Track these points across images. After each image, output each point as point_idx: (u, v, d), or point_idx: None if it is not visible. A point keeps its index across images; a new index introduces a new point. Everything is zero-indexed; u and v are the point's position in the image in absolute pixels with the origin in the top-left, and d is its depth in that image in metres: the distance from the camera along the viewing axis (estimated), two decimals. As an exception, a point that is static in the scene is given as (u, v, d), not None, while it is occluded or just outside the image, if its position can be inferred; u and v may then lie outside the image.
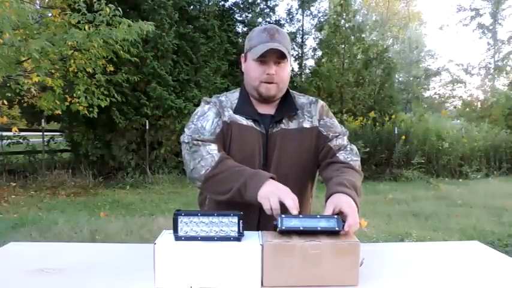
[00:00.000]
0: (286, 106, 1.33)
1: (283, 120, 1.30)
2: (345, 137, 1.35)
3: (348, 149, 1.32)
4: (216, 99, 1.35)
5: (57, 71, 6.21)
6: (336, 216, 0.98)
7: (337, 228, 0.97)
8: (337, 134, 1.33)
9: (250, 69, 1.29)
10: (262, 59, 1.25)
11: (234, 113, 1.30)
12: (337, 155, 1.29)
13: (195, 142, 1.25)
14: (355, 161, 1.29)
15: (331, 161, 1.29)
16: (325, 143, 1.31)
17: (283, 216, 0.98)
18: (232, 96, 1.35)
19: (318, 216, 0.98)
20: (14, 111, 10.64)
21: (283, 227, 0.97)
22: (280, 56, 1.24)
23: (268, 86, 1.26)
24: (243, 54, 1.35)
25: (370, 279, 1.00)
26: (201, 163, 1.21)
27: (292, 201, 1.05)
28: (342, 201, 1.06)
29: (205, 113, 1.30)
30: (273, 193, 1.08)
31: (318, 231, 0.97)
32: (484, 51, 24.60)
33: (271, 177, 1.14)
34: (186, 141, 1.26)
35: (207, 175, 1.19)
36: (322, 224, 0.97)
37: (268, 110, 1.32)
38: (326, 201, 1.11)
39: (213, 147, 1.23)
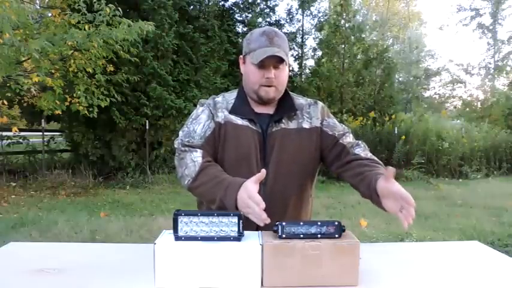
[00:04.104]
0: (286, 106, 1.34)
1: (283, 120, 1.31)
2: (351, 135, 1.36)
3: (362, 145, 1.32)
4: (212, 100, 1.36)
5: (57, 71, 6.20)
6: (336, 223, 0.98)
7: (336, 236, 0.97)
8: (343, 133, 1.34)
9: (250, 72, 1.29)
10: (262, 63, 1.26)
11: (229, 113, 1.31)
12: (356, 152, 1.29)
13: (182, 148, 1.28)
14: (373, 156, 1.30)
15: (353, 158, 1.28)
16: (334, 142, 1.32)
17: (283, 223, 0.98)
18: (230, 96, 1.36)
19: (319, 223, 0.98)
20: (14, 111, 10.62)
21: (283, 235, 0.96)
22: (279, 61, 1.25)
23: (268, 89, 1.28)
24: (241, 56, 1.36)
25: (370, 279, 1.00)
26: (185, 171, 1.24)
27: (259, 203, 1.06)
28: (396, 187, 1.05)
29: (198, 116, 1.33)
30: (245, 204, 1.08)
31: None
32: (484, 51, 24.63)
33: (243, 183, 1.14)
34: (176, 146, 1.31)
35: (189, 186, 1.23)
36: (322, 230, 0.97)
37: (266, 109, 1.33)
38: (373, 194, 1.10)
39: (198, 154, 1.25)
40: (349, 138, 1.33)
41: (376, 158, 1.27)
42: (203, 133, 1.29)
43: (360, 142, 1.34)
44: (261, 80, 1.27)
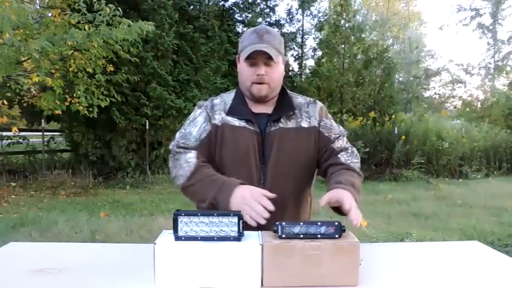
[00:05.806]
0: (284, 105, 1.34)
1: (281, 119, 1.31)
2: (345, 138, 1.38)
3: (350, 151, 1.34)
4: (209, 102, 1.36)
5: (57, 71, 6.20)
6: (336, 223, 0.98)
7: (337, 236, 0.97)
8: (338, 136, 1.35)
9: (242, 70, 1.31)
10: (252, 60, 1.26)
11: (227, 114, 1.31)
12: (339, 156, 1.32)
13: (177, 150, 1.30)
14: (355, 163, 1.32)
15: (332, 162, 1.31)
16: (327, 145, 1.33)
17: (283, 223, 0.97)
18: (228, 97, 1.37)
19: (319, 223, 0.98)
20: (14, 111, 10.61)
21: (283, 236, 0.96)
22: (268, 57, 1.25)
23: (259, 87, 1.28)
24: (237, 56, 1.37)
25: (370, 279, 1.00)
26: (179, 172, 1.26)
27: (265, 201, 1.09)
28: (339, 192, 1.11)
29: (195, 118, 1.34)
30: (242, 204, 1.10)
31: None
32: (484, 51, 24.62)
33: (241, 183, 1.16)
34: (171, 148, 1.33)
35: (183, 185, 1.24)
36: (322, 230, 0.97)
37: (264, 109, 1.33)
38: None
39: (192, 155, 1.26)
40: (341, 141, 1.35)
41: (353, 166, 1.30)
42: (198, 135, 1.30)
43: (349, 147, 1.35)
44: (252, 77, 1.27)
